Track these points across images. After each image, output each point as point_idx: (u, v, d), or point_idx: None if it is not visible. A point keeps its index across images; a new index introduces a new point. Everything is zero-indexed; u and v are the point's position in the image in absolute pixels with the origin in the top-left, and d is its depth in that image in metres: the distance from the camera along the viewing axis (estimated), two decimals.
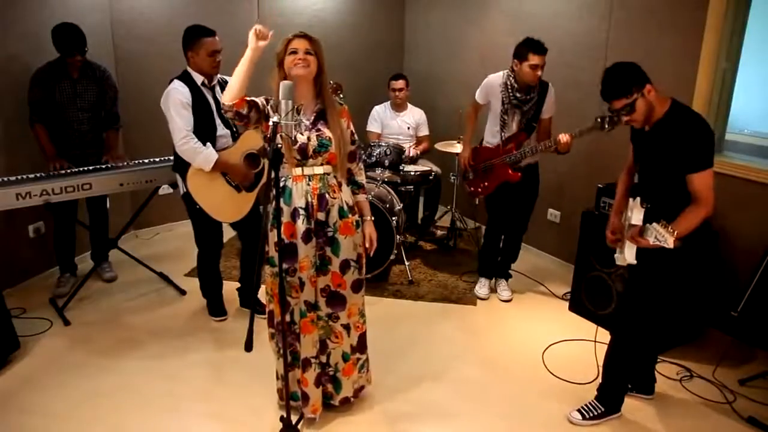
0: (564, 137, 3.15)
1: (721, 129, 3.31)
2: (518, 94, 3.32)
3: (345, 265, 2.36)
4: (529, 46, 3.20)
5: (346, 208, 2.34)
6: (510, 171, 3.41)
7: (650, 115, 2.29)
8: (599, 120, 2.61)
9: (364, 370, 2.59)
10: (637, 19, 3.51)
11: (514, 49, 3.29)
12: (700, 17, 3.13)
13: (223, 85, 3.13)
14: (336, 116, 2.29)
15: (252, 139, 3.08)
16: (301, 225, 2.28)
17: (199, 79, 3.00)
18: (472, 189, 3.68)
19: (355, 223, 2.37)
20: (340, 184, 2.35)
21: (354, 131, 2.40)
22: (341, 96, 2.38)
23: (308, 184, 2.27)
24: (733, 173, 3.11)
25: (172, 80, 2.98)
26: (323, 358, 2.47)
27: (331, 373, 2.50)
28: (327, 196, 2.29)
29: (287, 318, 2.38)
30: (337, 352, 2.47)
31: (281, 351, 2.36)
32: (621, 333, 2.51)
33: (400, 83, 4.66)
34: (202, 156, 2.91)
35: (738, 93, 3.24)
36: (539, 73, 3.23)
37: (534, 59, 3.19)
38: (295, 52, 2.19)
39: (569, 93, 3.92)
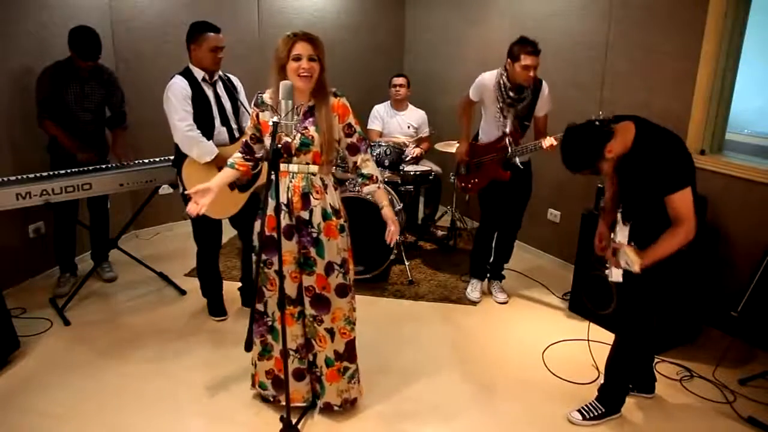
0: (548, 141, 3.17)
1: (721, 129, 3.31)
2: (511, 93, 3.29)
3: (329, 268, 2.33)
4: (523, 47, 3.15)
5: (330, 210, 2.30)
6: (501, 170, 3.41)
7: (626, 144, 2.24)
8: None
9: (354, 381, 2.53)
10: (637, 18, 3.51)
11: (508, 48, 3.26)
12: (700, 17, 3.13)
13: (225, 82, 3.14)
14: (325, 111, 2.22)
15: None
16: (282, 220, 2.27)
17: (199, 74, 3.01)
18: (462, 185, 3.68)
19: (339, 227, 2.33)
20: (326, 186, 2.30)
21: (353, 124, 2.31)
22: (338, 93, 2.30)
23: (291, 181, 2.26)
24: (734, 173, 3.11)
25: (173, 76, 2.99)
26: (310, 357, 2.48)
27: (318, 374, 2.49)
28: (310, 196, 2.27)
29: (260, 308, 2.40)
30: (321, 356, 2.45)
31: (260, 340, 2.47)
32: (624, 334, 2.51)
33: (400, 80, 4.71)
34: (201, 146, 2.93)
35: (738, 93, 3.24)
36: (532, 74, 3.19)
37: (527, 60, 3.14)
38: (298, 59, 2.15)
39: (569, 92, 3.92)
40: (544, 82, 3.36)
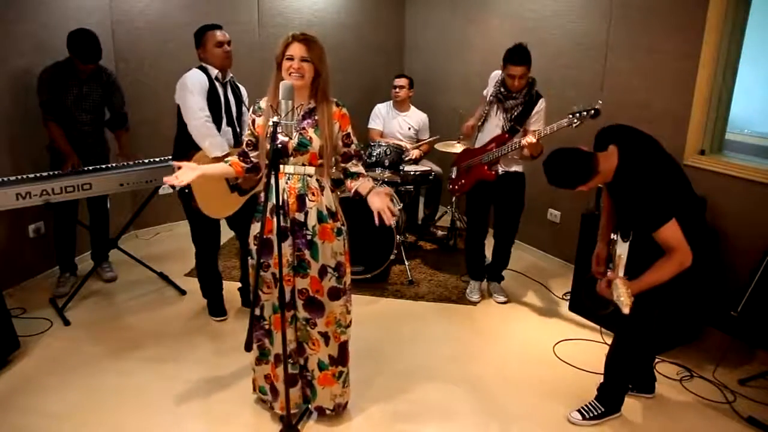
0: (528, 138, 3.16)
1: (721, 129, 3.31)
2: (502, 89, 3.36)
3: (323, 271, 2.31)
4: (509, 57, 3.21)
5: (326, 212, 2.29)
6: (485, 169, 3.43)
7: (607, 175, 2.27)
8: (571, 116, 2.83)
9: (347, 385, 2.52)
10: (637, 18, 3.51)
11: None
12: (700, 17, 3.13)
13: (234, 87, 3.15)
14: (326, 116, 2.22)
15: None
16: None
17: (213, 72, 3.01)
18: (451, 186, 3.74)
19: (335, 230, 2.31)
20: (322, 189, 2.29)
21: (351, 134, 2.32)
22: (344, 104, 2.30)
23: (286, 183, 2.25)
24: (734, 173, 3.11)
25: (189, 69, 2.98)
26: (301, 361, 2.45)
27: (309, 378, 2.47)
28: (306, 197, 2.26)
29: (257, 312, 2.38)
30: (313, 359, 2.42)
31: (257, 344, 2.44)
32: (624, 333, 2.51)
33: (401, 81, 4.71)
34: (215, 140, 2.92)
35: (738, 93, 3.24)
36: (516, 83, 3.25)
37: (512, 70, 3.21)
38: (291, 59, 2.16)
39: (569, 93, 3.92)
40: (542, 98, 3.35)
